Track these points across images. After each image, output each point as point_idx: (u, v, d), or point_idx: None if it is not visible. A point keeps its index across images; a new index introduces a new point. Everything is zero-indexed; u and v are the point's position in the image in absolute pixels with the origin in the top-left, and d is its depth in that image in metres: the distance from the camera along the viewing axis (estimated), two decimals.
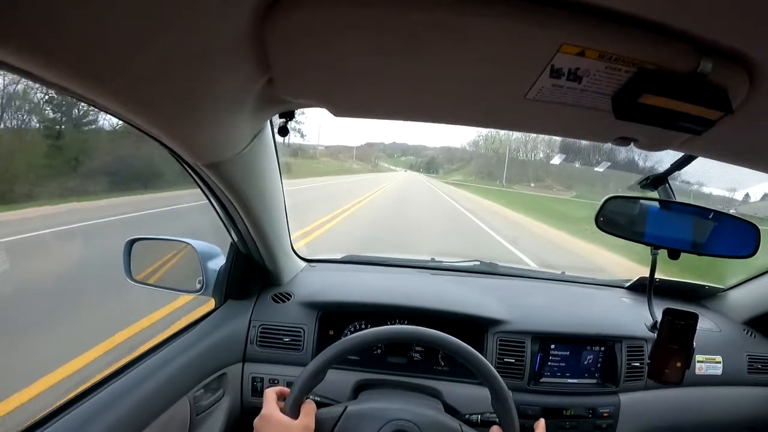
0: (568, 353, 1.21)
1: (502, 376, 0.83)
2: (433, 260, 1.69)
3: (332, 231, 7.95)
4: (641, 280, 1.54)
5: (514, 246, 8.94)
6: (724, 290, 1.54)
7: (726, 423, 1.31)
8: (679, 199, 0.98)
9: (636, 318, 1.27)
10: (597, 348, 1.22)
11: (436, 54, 0.49)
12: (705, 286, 1.56)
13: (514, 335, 1.19)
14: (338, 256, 1.66)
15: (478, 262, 1.67)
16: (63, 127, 10.76)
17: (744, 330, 1.42)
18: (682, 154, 0.88)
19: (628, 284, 1.57)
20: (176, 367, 0.95)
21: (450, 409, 1.07)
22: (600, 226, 0.98)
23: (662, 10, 0.41)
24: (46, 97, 10.23)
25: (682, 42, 0.45)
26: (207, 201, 0.99)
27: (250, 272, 1.23)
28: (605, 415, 1.17)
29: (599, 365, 1.22)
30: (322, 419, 0.80)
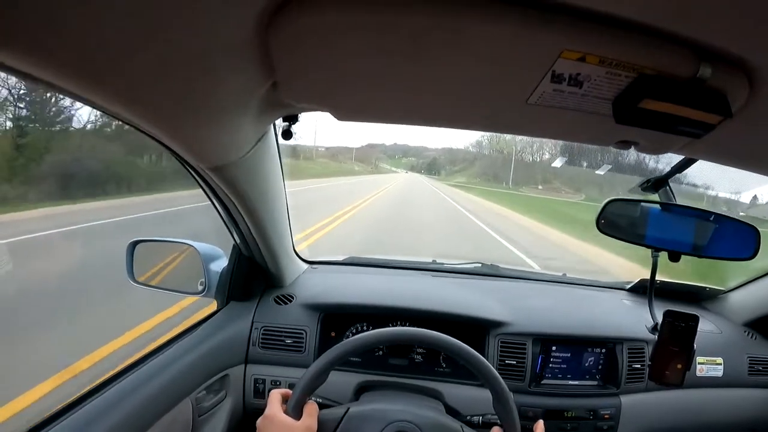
0: (569, 355, 1.21)
1: (503, 377, 0.83)
2: (434, 262, 1.69)
3: (314, 249, 6.51)
4: (642, 282, 1.54)
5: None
6: (725, 292, 1.55)
7: (727, 425, 1.31)
8: (682, 201, 0.99)
9: (637, 320, 1.27)
10: (598, 350, 1.22)
11: (439, 59, 0.50)
12: (705, 288, 1.56)
13: (516, 337, 1.20)
14: (340, 258, 1.67)
15: (480, 264, 1.67)
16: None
17: (744, 332, 1.43)
18: (683, 156, 0.88)
19: (629, 286, 1.57)
20: (179, 369, 0.96)
21: (451, 411, 1.08)
22: (601, 228, 0.99)
23: (662, 16, 0.42)
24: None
25: (682, 47, 0.46)
26: (210, 203, 1.00)
27: (253, 274, 1.24)
28: (606, 416, 1.17)
29: (600, 367, 1.23)
30: (324, 420, 0.80)
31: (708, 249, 0.97)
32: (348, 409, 0.84)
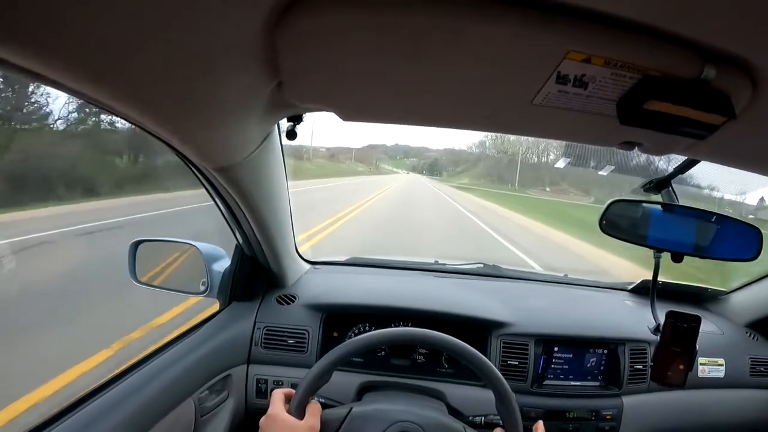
0: (571, 356, 1.21)
1: (505, 378, 0.83)
2: (436, 263, 1.69)
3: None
4: (644, 282, 1.54)
5: None
6: (727, 293, 1.55)
7: (728, 426, 1.31)
8: (686, 202, 0.99)
9: (639, 321, 1.28)
10: (600, 350, 1.23)
11: (444, 60, 0.50)
12: (707, 289, 1.56)
13: (518, 338, 1.20)
14: (342, 259, 1.67)
15: (482, 265, 1.67)
16: None
17: (746, 333, 1.43)
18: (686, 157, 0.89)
19: (631, 287, 1.57)
20: (181, 369, 0.96)
21: (454, 411, 1.08)
22: (604, 229, 0.99)
23: (666, 17, 0.42)
24: None
25: (686, 49, 0.46)
26: (213, 203, 1.00)
27: (255, 274, 1.24)
28: (608, 417, 1.17)
29: (602, 368, 1.23)
30: (326, 420, 0.80)
31: (710, 250, 0.97)
32: (351, 409, 0.85)
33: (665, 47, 0.46)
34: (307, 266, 1.50)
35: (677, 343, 1.02)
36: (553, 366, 1.21)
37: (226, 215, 1.03)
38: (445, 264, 1.68)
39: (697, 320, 1.01)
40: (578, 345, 1.22)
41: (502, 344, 1.19)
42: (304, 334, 1.20)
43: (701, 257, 0.97)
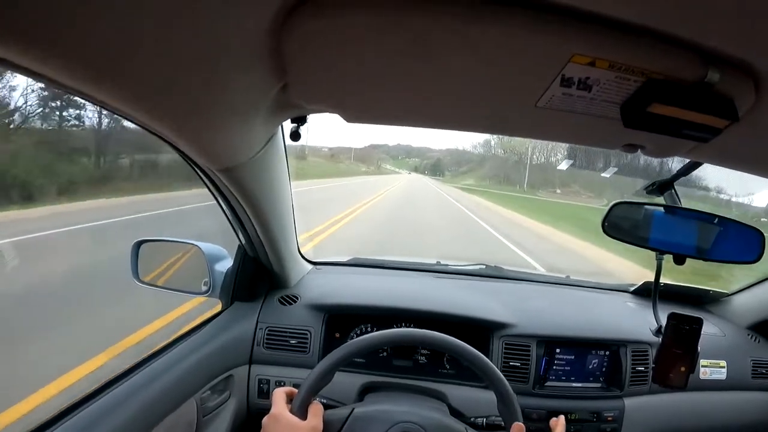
0: (573, 357, 1.21)
1: (507, 379, 0.84)
2: (438, 263, 1.69)
3: None
4: (646, 284, 1.53)
5: None
6: (729, 295, 1.54)
7: (730, 428, 1.30)
8: (691, 205, 0.99)
9: (641, 322, 1.28)
10: (602, 352, 1.22)
11: (449, 62, 0.50)
12: (709, 291, 1.56)
13: (520, 339, 1.20)
14: (344, 259, 1.67)
15: (484, 266, 1.67)
16: None
17: (748, 335, 1.42)
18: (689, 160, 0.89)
19: (633, 289, 1.57)
20: (183, 369, 0.96)
21: (455, 412, 1.07)
22: (606, 231, 0.99)
23: (670, 21, 0.42)
24: None
25: (690, 52, 0.46)
26: (216, 204, 1.00)
27: (257, 275, 1.24)
28: (609, 419, 1.17)
29: (604, 369, 1.23)
30: (328, 421, 0.80)
31: (712, 252, 0.97)
32: (353, 409, 0.85)
33: (669, 50, 0.46)
34: (310, 267, 1.50)
35: (679, 345, 1.02)
36: (554, 367, 1.21)
37: (229, 216, 1.03)
38: (447, 265, 1.68)
39: (699, 322, 1.01)
40: (580, 346, 1.22)
41: (503, 345, 1.19)
42: (306, 334, 1.20)
43: (703, 259, 0.97)
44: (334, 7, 0.44)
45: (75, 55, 0.38)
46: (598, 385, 1.22)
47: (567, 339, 1.22)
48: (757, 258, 0.96)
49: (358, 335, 1.23)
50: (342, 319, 1.25)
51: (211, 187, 0.89)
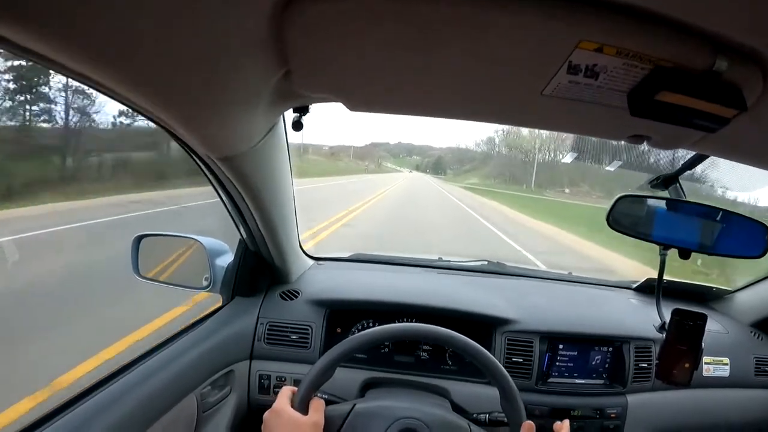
0: (576, 353, 1.21)
1: (510, 375, 0.83)
2: (440, 259, 1.69)
3: None
4: (649, 281, 1.53)
5: None
6: (732, 292, 1.54)
7: (733, 425, 1.30)
8: (699, 200, 0.98)
9: (644, 319, 1.27)
10: (605, 348, 1.22)
11: (453, 49, 0.49)
12: (713, 287, 1.55)
13: (523, 335, 1.19)
14: (346, 255, 1.66)
15: (486, 262, 1.66)
16: None
17: (751, 332, 1.42)
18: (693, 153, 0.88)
19: (636, 285, 1.57)
20: (184, 364, 0.96)
21: (458, 408, 1.07)
22: (611, 225, 0.98)
23: (679, 7, 0.42)
24: None
25: (698, 40, 0.45)
26: (217, 196, 0.99)
27: (258, 269, 1.23)
28: (612, 415, 1.17)
29: (607, 366, 1.22)
30: (330, 416, 0.80)
31: (717, 247, 0.97)
32: (354, 405, 0.84)
33: (677, 37, 0.45)
34: (311, 262, 1.50)
35: (683, 341, 1.01)
36: (557, 364, 1.20)
37: (230, 208, 1.02)
38: (449, 261, 1.67)
39: (703, 318, 1.00)
40: (583, 343, 1.22)
41: (506, 341, 1.19)
42: (307, 329, 1.20)
43: (708, 254, 0.97)
44: None
45: (77, 42, 0.38)
46: (601, 381, 1.21)
47: (570, 335, 1.21)
48: (763, 253, 0.95)
49: (359, 331, 1.23)
50: (343, 315, 1.24)
51: (212, 177, 0.88)
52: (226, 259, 1.20)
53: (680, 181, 0.98)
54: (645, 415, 1.20)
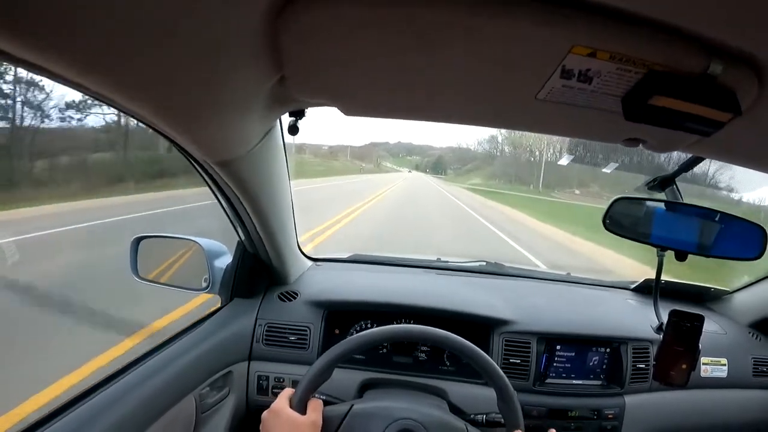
0: (573, 354, 1.21)
1: (507, 376, 0.83)
2: (439, 260, 1.69)
3: None
4: (647, 281, 1.53)
5: None
6: (730, 293, 1.54)
7: (731, 426, 1.30)
8: (697, 202, 0.98)
9: (642, 319, 1.27)
10: (602, 349, 1.22)
11: (447, 53, 0.49)
12: (711, 288, 1.55)
13: (520, 336, 1.19)
14: (344, 256, 1.67)
15: (484, 263, 1.67)
16: None
17: (749, 333, 1.42)
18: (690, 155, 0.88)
19: (634, 286, 1.57)
20: (182, 365, 0.96)
21: (455, 409, 1.07)
22: (608, 227, 0.98)
23: (673, 11, 0.42)
24: None
25: (692, 44, 0.45)
26: (215, 199, 1.00)
27: (257, 271, 1.24)
28: (610, 416, 1.17)
29: (604, 366, 1.22)
30: (328, 417, 0.80)
31: (714, 248, 0.96)
32: (352, 406, 0.85)
33: (671, 41, 0.45)
34: (309, 263, 1.50)
35: (680, 342, 1.02)
36: (555, 364, 1.20)
37: (228, 211, 1.03)
38: (447, 261, 1.68)
39: (700, 319, 1.00)
40: (581, 343, 1.22)
41: (504, 342, 1.19)
42: (305, 330, 1.20)
43: (705, 256, 0.96)
44: None
45: (71, 49, 0.38)
46: (599, 382, 1.21)
47: (567, 336, 1.21)
48: (759, 254, 0.95)
49: (357, 332, 1.23)
50: (342, 316, 1.24)
51: (209, 181, 0.88)
52: (225, 261, 1.20)
53: (677, 182, 0.98)
54: (642, 415, 1.20)
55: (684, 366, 1.01)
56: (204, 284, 1.18)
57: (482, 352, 0.84)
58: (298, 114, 0.78)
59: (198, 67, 0.48)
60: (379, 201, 15.44)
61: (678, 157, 0.89)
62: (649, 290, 1.36)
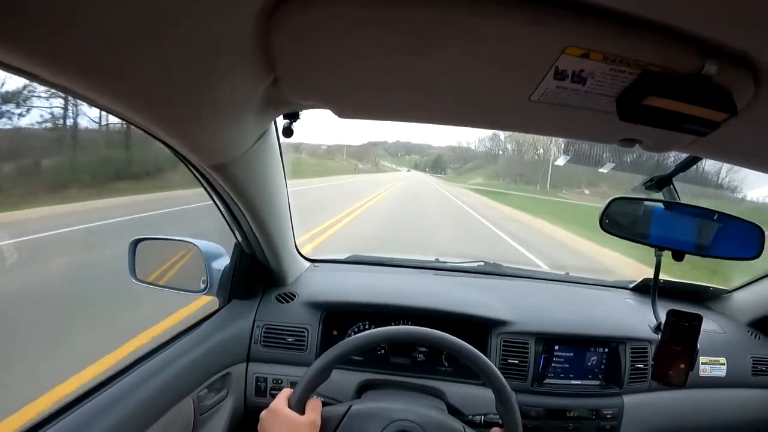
0: (571, 354, 1.21)
1: (505, 377, 0.83)
2: (437, 261, 1.69)
3: None
4: (645, 281, 1.53)
5: None
6: (729, 292, 1.54)
7: (730, 425, 1.30)
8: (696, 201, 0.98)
9: (640, 319, 1.27)
10: (601, 349, 1.22)
11: (441, 55, 0.49)
12: (709, 287, 1.55)
13: (518, 336, 1.19)
14: (342, 257, 1.66)
15: (483, 263, 1.66)
16: None
17: (748, 332, 1.42)
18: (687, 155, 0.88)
19: (632, 285, 1.57)
20: (180, 367, 0.96)
21: (453, 410, 1.07)
22: (604, 227, 0.98)
23: (667, 11, 0.41)
24: None
25: (687, 44, 0.45)
26: (212, 202, 0.99)
27: (255, 272, 1.23)
28: (608, 416, 1.17)
29: (603, 366, 1.22)
30: (326, 417, 0.80)
31: (712, 248, 0.96)
32: (350, 406, 0.84)
33: (665, 42, 0.45)
34: (307, 264, 1.50)
35: (678, 342, 1.01)
36: (553, 365, 1.20)
37: (225, 214, 1.03)
38: (445, 262, 1.67)
39: (699, 319, 1.00)
40: (579, 343, 1.22)
41: (502, 343, 1.19)
42: (303, 332, 1.20)
43: (702, 256, 0.96)
44: (322, 0, 0.43)
45: (64, 54, 0.38)
46: (597, 382, 1.21)
47: (566, 336, 1.21)
48: (757, 254, 0.95)
49: (355, 333, 1.23)
50: (340, 317, 1.24)
51: (205, 184, 0.88)
52: (223, 263, 1.20)
53: (674, 182, 0.98)
54: (641, 415, 1.20)
55: (682, 365, 1.01)
56: (202, 286, 1.18)
57: (480, 353, 0.84)
58: (293, 116, 0.78)
59: (189, 69, 0.48)
60: (364, 213, 12.08)
61: (677, 157, 0.89)
62: (648, 290, 1.36)
